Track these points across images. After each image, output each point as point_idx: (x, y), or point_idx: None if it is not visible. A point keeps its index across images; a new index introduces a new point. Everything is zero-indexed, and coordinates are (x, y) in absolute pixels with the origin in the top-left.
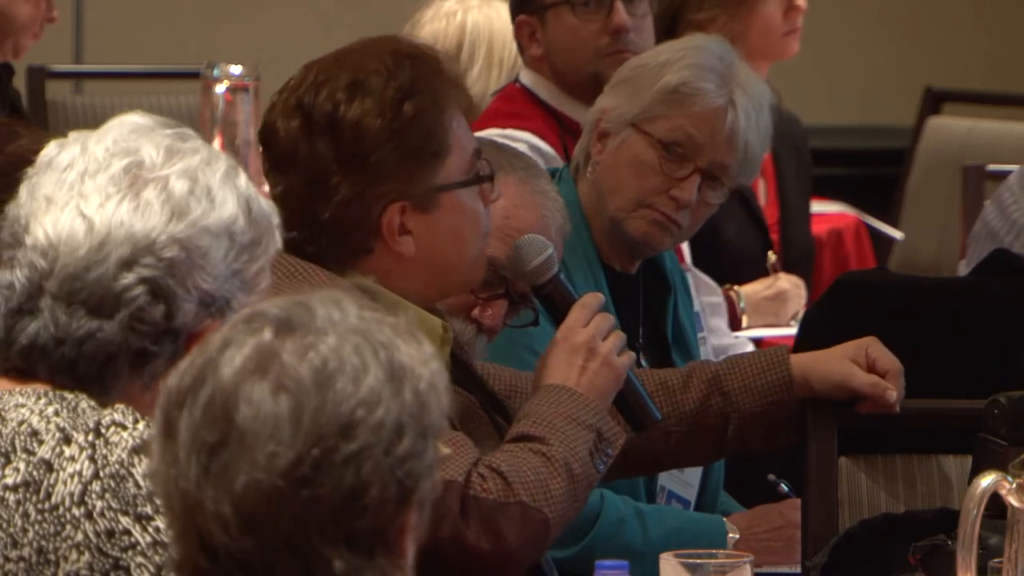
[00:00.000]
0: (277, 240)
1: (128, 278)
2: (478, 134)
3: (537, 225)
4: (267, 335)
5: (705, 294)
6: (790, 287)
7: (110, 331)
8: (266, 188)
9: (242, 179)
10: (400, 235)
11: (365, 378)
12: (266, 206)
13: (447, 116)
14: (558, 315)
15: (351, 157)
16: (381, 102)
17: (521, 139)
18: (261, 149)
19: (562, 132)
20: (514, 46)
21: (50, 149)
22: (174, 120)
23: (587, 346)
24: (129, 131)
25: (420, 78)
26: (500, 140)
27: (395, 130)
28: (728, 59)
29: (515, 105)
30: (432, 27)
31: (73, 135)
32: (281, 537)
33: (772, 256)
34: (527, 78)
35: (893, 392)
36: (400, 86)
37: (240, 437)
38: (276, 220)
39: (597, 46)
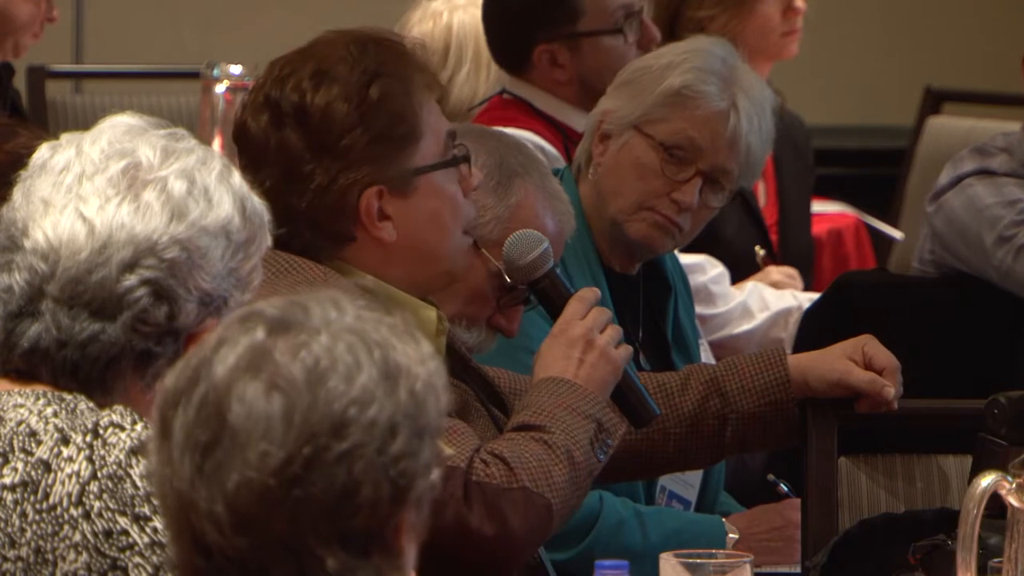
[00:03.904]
0: (268, 237)
1: (131, 280)
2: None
3: (554, 232)
4: (260, 334)
5: (701, 272)
6: (782, 277)
7: (113, 333)
8: None
9: (236, 178)
10: (380, 220)
11: (358, 377)
12: (258, 204)
13: (415, 99)
14: (555, 309)
15: (321, 144)
16: (347, 87)
17: (525, 139)
18: (237, 149)
19: (563, 139)
20: None
21: (42, 152)
22: (173, 120)
23: (584, 338)
24: (123, 132)
25: (385, 62)
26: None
27: (363, 113)
28: (731, 62)
29: (510, 111)
30: (420, 29)
31: (65, 137)
32: (274, 536)
33: (760, 251)
34: (519, 90)
35: (891, 389)
36: (365, 70)
37: (232, 436)
38: (267, 217)
39: None
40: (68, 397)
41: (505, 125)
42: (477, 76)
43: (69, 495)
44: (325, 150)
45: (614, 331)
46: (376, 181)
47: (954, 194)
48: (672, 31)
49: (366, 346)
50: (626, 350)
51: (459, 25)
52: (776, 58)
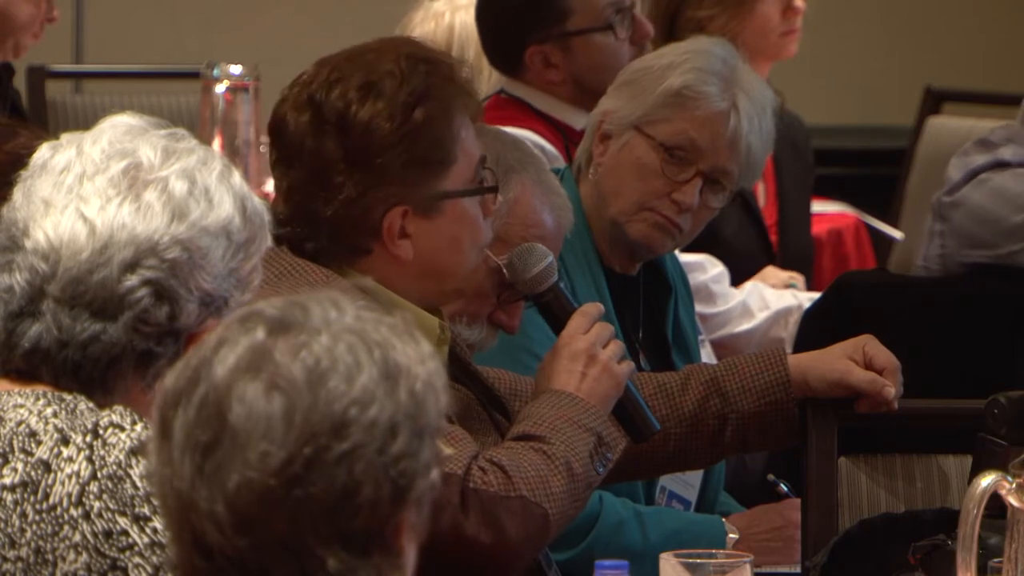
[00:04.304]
0: (268, 237)
1: (132, 280)
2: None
3: (553, 228)
4: (260, 335)
5: (701, 271)
6: (777, 273)
7: (114, 333)
8: (263, 188)
9: (236, 178)
10: (399, 238)
11: (358, 377)
12: (259, 204)
13: (456, 124)
14: (558, 324)
15: (358, 158)
16: (392, 105)
17: (525, 138)
18: (270, 140)
19: (563, 139)
20: None
21: (43, 152)
22: (174, 120)
23: (587, 353)
24: (123, 132)
25: (433, 85)
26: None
27: (404, 135)
28: (732, 63)
29: (509, 111)
30: (422, 29)
31: (65, 137)
32: (275, 536)
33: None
34: (517, 90)
35: (891, 388)
36: (412, 91)
37: (233, 436)
38: (267, 217)
39: (629, 59)
40: (68, 397)
41: (504, 124)
42: (479, 76)
43: (69, 495)
44: (360, 164)
45: (617, 346)
46: (404, 201)
47: (972, 187)
48: (672, 31)
49: (366, 346)
50: (628, 365)
51: (461, 26)
52: (775, 58)
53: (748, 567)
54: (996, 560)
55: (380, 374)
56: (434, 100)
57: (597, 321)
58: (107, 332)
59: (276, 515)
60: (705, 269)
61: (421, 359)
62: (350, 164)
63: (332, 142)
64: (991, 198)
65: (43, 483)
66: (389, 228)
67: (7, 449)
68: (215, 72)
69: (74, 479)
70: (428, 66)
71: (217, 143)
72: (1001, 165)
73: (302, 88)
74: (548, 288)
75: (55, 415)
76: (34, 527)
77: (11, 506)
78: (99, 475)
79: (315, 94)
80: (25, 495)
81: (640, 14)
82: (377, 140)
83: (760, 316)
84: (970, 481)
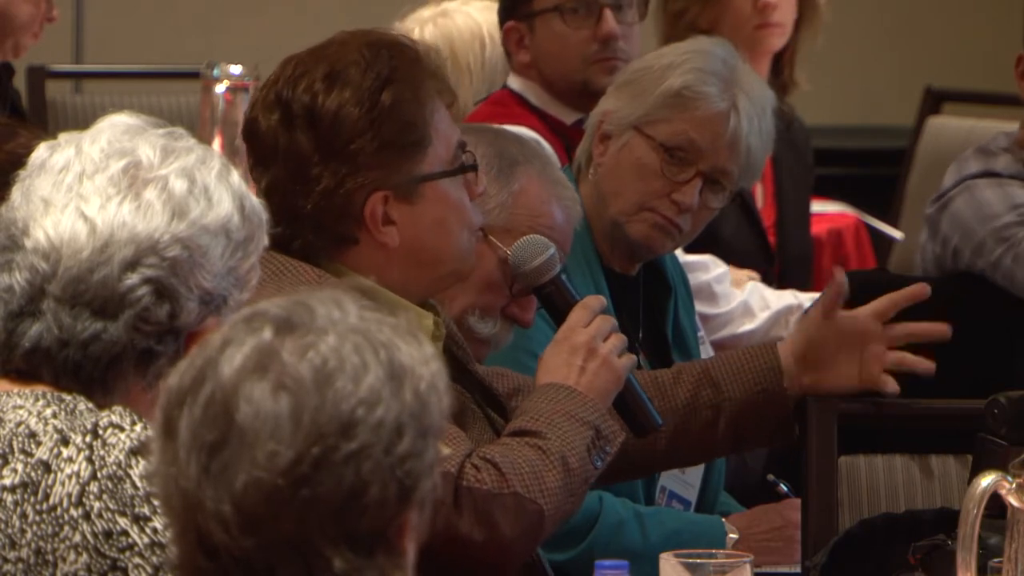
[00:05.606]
0: (265, 236)
1: (132, 279)
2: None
3: (561, 219)
4: (267, 334)
5: (704, 270)
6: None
7: (115, 332)
8: None
9: (235, 176)
10: (384, 225)
11: (365, 377)
12: (256, 203)
13: (427, 106)
14: (559, 316)
15: (330, 147)
16: (359, 91)
17: (526, 135)
18: (245, 145)
19: (555, 135)
20: (478, 48)
21: (41, 151)
22: (173, 120)
23: (587, 346)
24: (122, 132)
25: (398, 68)
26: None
27: (373, 119)
28: (732, 63)
29: (506, 108)
30: None
31: (63, 137)
32: (281, 536)
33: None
34: (515, 83)
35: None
36: (378, 75)
37: (240, 436)
38: (265, 216)
39: (585, 53)
40: (67, 398)
41: (500, 121)
42: (459, 84)
43: (69, 496)
44: (334, 153)
45: (618, 339)
46: (382, 186)
47: (958, 193)
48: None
49: (372, 346)
50: (629, 359)
51: (432, 39)
52: (755, 52)
53: (748, 567)
54: (996, 560)
55: (386, 374)
56: (400, 82)
57: (598, 314)
58: (108, 331)
59: (283, 515)
60: (708, 269)
61: (424, 360)
62: (324, 155)
63: (303, 136)
64: (972, 209)
65: (43, 484)
66: (372, 215)
67: (7, 450)
68: (215, 72)
69: (74, 479)
70: (392, 50)
71: (217, 143)
72: (991, 175)
73: (269, 89)
74: (549, 280)
75: (54, 416)
76: (34, 528)
77: (11, 507)
78: (99, 475)
79: (282, 91)
80: (25, 496)
81: (611, 15)
82: (347, 127)
83: (761, 316)
84: (970, 481)
